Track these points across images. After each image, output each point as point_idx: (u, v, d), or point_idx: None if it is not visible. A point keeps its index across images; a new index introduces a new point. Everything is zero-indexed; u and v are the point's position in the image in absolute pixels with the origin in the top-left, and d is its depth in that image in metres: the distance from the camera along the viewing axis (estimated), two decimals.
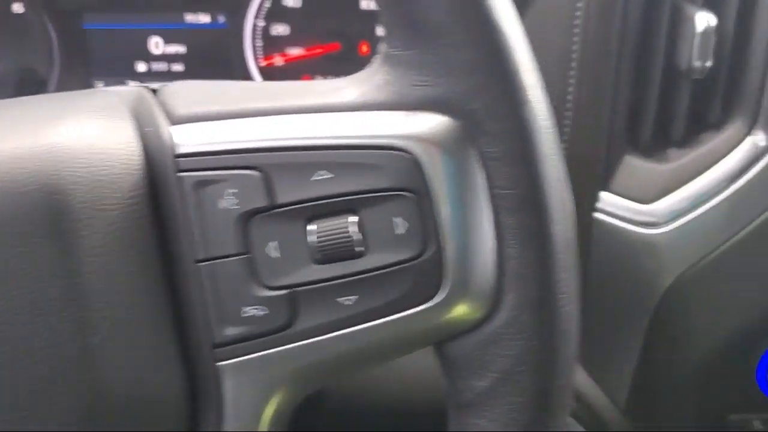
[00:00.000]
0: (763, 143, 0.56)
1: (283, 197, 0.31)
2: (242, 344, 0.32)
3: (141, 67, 0.69)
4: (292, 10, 0.68)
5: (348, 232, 0.31)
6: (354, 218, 0.31)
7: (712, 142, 0.58)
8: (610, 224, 0.60)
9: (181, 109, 0.33)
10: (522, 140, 0.31)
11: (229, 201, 0.31)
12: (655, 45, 0.57)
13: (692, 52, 0.55)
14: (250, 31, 0.68)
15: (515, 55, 0.31)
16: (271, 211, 0.31)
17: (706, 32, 0.55)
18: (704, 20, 0.54)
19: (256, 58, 0.69)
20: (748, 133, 0.56)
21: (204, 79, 0.69)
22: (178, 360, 0.32)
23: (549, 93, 0.58)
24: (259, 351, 0.32)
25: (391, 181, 0.31)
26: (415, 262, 0.31)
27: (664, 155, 0.59)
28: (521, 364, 0.32)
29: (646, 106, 0.58)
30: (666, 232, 0.58)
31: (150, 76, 0.69)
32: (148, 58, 0.69)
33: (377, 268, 0.31)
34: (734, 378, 0.62)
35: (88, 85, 0.69)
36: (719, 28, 0.55)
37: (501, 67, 0.31)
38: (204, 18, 0.68)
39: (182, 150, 0.32)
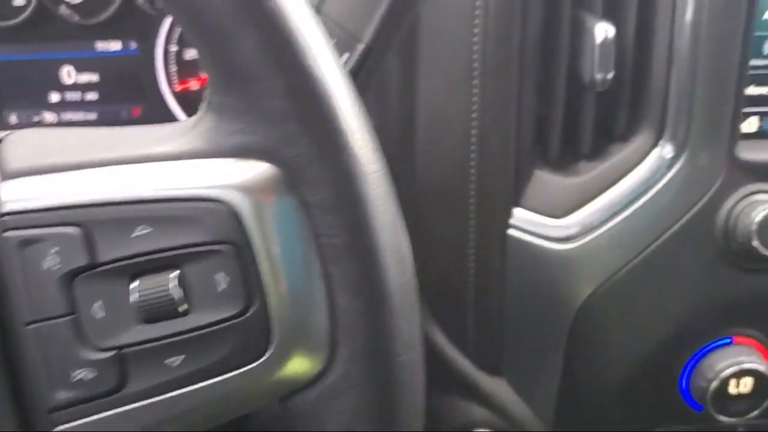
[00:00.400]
0: (669, 155, 0.55)
1: (104, 255, 0.30)
2: (76, 408, 0.31)
3: (54, 97, 0.68)
4: None
5: (168, 289, 0.30)
6: (175, 275, 0.30)
7: (621, 154, 0.57)
8: (524, 240, 0.59)
9: (15, 162, 0.32)
10: (343, 186, 0.30)
11: (51, 260, 0.30)
12: (558, 58, 0.56)
13: (593, 64, 0.54)
14: (161, 56, 0.67)
15: (330, 101, 0.30)
16: (94, 270, 0.31)
17: (605, 43, 0.54)
18: (603, 31, 0.54)
19: (170, 84, 0.68)
20: (655, 144, 0.56)
21: (120, 106, 0.69)
22: (16, 426, 0.31)
23: (453, 112, 0.58)
24: (94, 414, 0.31)
25: (210, 235, 0.30)
26: (240, 319, 0.30)
27: (574, 168, 0.58)
28: (359, 420, 0.31)
29: (552, 120, 0.57)
30: (579, 246, 0.57)
31: (64, 106, 0.68)
32: (61, 88, 0.68)
33: (201, 327, 0.30)
34: (658, 390, 0.61)
35: (0, 119, 0.68)
36: (620, 39, 0.54)
37: (315, 113, 0.30)
38: (115, 45, 0.67)
39: (9, 207, 0.31)
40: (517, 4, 0.54)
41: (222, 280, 0.30)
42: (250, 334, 0.31)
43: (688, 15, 0.53)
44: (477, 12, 0.55)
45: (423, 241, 0.64)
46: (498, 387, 0.65)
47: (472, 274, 0.62)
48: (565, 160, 0.58)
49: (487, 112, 0.57)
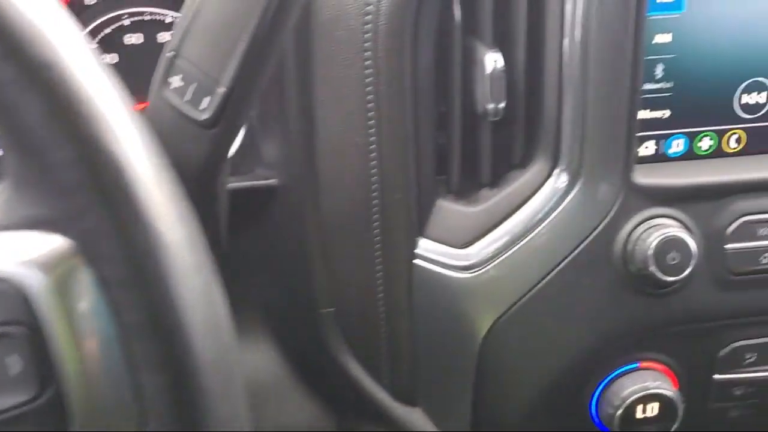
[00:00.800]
0: (563, 184, 0.55)
1: None
2: None
3: None
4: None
5: None
6: None
7: (519, 182, 0.56)
8: (430, 270, 0.59)
9: None
10: (140, 260, 0.29)
11: None
12: (452, 88, 0.56)
13: (485, 94, 0.54)
14: None
15: (120, 171, 0.29)
16: None
17: (494, 74, 0.53)
18: (492, 61, 0.53)
19: None
20: (551, 172, 0.55)
21: None
22: None
23: (351, 144, 0.57)
24: None
25: None
26: (34, 404, 0.29)
27: (475, 197, 0.58)
28: None
29: (452, 149, 0.57)
30: (480, 275, 0.57)
31: None
32: None
33: None
34: (569, 416, 0.61)
35: None
36: (510, 68, 0.54)
37: (105, 184, 0.29)
38: None
39: None
40: (407, 35, 0.54)
41: (15, 364, 0.29)
42: (45, 420, 0.29)
43: (577, 42, 0.52)
44: (367, 44, 0.54)
45: (333, 273, 0.64)
46: (414, 417, 0.64)
47: (382, 305, 0.62)
48: (467, 188, 0.58)
49: (384, 144, 0.57)
